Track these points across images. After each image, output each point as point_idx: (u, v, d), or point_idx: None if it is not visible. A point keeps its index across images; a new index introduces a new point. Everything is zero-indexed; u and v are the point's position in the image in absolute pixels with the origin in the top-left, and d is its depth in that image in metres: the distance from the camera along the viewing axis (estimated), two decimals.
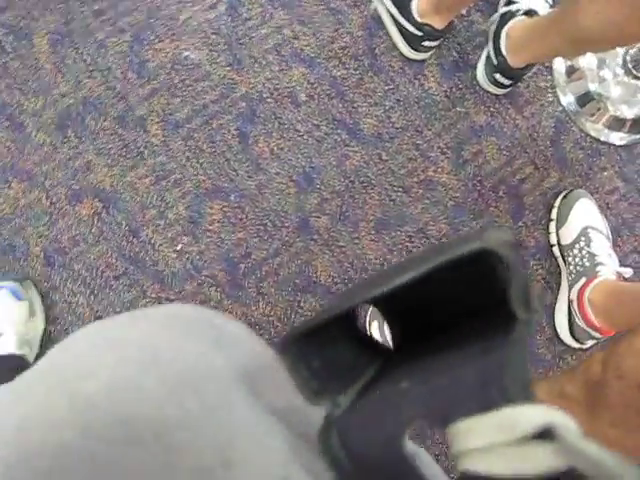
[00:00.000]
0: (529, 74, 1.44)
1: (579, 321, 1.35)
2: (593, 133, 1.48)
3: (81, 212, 1.29)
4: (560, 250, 1.41)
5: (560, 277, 1.43)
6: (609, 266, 1.34)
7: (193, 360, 0.40)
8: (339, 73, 1.39)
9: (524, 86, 1.46)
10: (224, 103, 1.35)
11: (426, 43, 1.35)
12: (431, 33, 1.32)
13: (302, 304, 1.31)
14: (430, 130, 1.41)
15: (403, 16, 1.33)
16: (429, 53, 1.39)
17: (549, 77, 1.49)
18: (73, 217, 1.29)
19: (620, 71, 1.46)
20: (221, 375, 0.40)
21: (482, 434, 0.27)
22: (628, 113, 1.48)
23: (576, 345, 1.41)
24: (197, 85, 1.35)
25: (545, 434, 0.25)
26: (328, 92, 1.38)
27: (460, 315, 0.38)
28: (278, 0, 1.39)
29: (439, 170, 1.40)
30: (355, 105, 1.39)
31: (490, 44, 1.39)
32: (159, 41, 1.35)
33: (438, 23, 1.31)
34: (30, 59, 1.32)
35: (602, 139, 1.48)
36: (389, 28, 1.39)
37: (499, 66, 1.35)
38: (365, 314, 1.28)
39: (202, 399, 0.37)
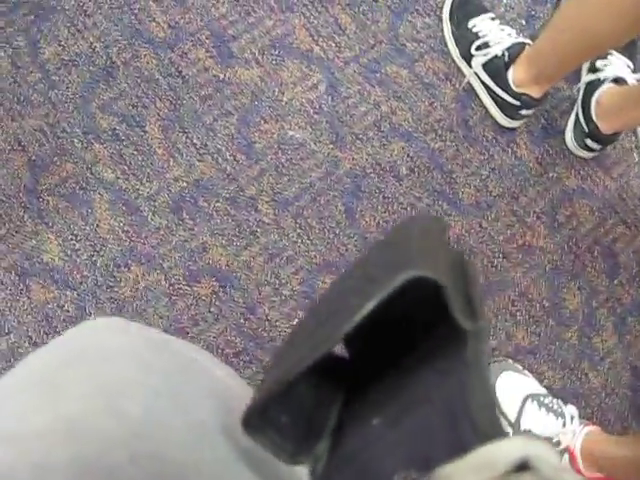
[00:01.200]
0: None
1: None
2: None
3: (199, 292, 1.36)
4: None
5: None
6: None
7: (206, 413, 0.42)
8: (436, 145, 1.48)
9: (611, 148, 1.56)
10: (329, 180, 1.43)
11: (523, 112, 1.44)
12: (529, 102, 1.41)
13: None
14: (525, 196, 1.50)
15: (499, 86, 1.43)
16: (524, 120, 1.48)
17: (633, 138, 1.58)
18: (192, 297, 1.36)
19: None
20: (225, 430, 0.42)
21: (463, 478, 0.26)
22: None
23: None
24: (303, 163, 1.43)
25: (524, 465, 0.26)
26: (427, 164, 1.47)
27: (410, 330, 0.38)
28: (375, 78, 1.49)
29: (536, 235, 1.49)
30: (453, 176, 1.47)
31: (579, 111, 1.48)
32: (264, 122, 1.44)
33: (536, 92, 1.40)
34: (143, 145, 1.40)
35: None
36: (483, 99, 1.48)
37: (590, 132, 1.45)
38: None
39: (215, 451, 0.40)
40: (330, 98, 1.47)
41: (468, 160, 1.49)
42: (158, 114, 1.42)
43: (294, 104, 1.46)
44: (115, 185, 1.38)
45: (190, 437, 0.39)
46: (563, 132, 1.54)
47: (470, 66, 1.47)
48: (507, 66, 1.41)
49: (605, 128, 1.43)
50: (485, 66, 1.44)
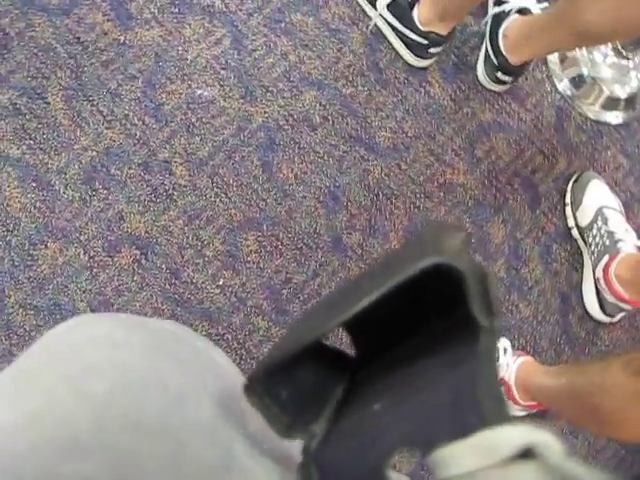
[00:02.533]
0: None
1: (608, 297, 1.48)
2: (592, 115, 1.62)
3: (121, 262, 1.37)
4: (579, 232, 1.55)
5: (582, 257, 1.57)
6: (628, 241, 1.48)
7: (192, 377, 0.44)
8: (348, 91, 1.50)
9: (522, 79, 1.60)
10: (243, 135, 1.45)
11: (432, 50, 1.47)
12: (436, 40, 1.44)
13: None
14: (442, 134, 1.53)
15: (406, 27, 1.45)
16: (434, 59, 1.51)
17: (544, 68, 1.63)
18: (113, 268, 1.37)
19: (610, 53, 1.60)
20: (213, 397, 0.43)
21: (463, 460, 0.27)
22: (621, 92, 1.63)
23: (607, 320, 1.55)
24: (214, 121, 1.44)
25: (527, 453, 0.26)
26: (340, 111, 1.49)
27: (423, 323, 0.39)
28: (280, 28, 1.49)
29: (455, 172, 1.53)
30: (368, 120, 1.50)
31: (488, 45, 1.51)
32: (171, 83, 1.44)
33: (442, 30, 1.42)
34: (47, 117, 1.39)
35: (601, 120, 1.63)
36: (391, 40, 1.50)
37: (500, 65, 1.48)
38: None
39: (200, 411, 0.41)
40: (236, 52, 1.47)
41: (382, 103, 1.51)
42: (59, 84, 1.41)
43: (199, 62, 1.46)
44: (22, 161, 1.37)
45: (167, 402, 0.40)
46: (474, 68, 1.57)
47: (375, 8, 1.48)
48: (411, 5, 1.43)
49: (514, 60, 1.47)
50: (390, 7, 1.46)
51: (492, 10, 1.52)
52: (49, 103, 1.40)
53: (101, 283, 1.36)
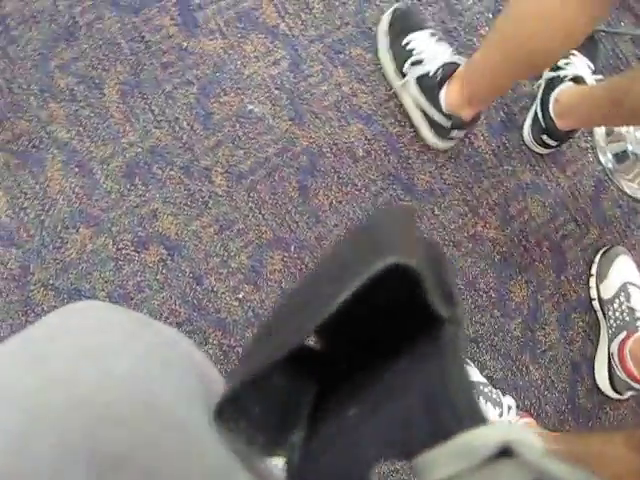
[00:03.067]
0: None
1: (620, 373, 1.49)
2: (629, 192, 1.64)
3: (146, 259, 1.40)
4: (600, 304, 1.56)
5: (599, 330, 1.58)
6: None
7: (195, 385, 0.45)
8: (395, 130, 1.53)
9: (566, 146, 1.63)
10: (286, 156, 1.48)
11: (452, 133, 1.44)
12: (459, 124, 1.41)
13: None
14: (479, 187, 1.56)
15: (431, 104, 1.42)
16: (452, 143, 1.51)
17: (589, 138, 1.65)
18: (139, 264, 1.40)
19: None
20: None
21: (445, 465, 0.27)
22: None
23: (615, 396, 1.55)
24: (260, 138, 1.48)
25: (508, 451, 0.26)
26: (384, 148, 1.52)
27: (387, 320, 0.39)
28: (338, 59, 1.54)
29: (487, 225, 1.55)
30: (409, 161, 1.53)
31: (538, 106, 1.55)
32: (224, 94, 1.48)
33: (467, 114, 1.39)
34: (100, 108, 1.43)
35: (638, 197, 1.65)
36: (412, 114, 1.51)
37: (547, 128, 1.51)
38: None
39: (204, 414, 0.41)
40: (292, 75, 1.51)
41: (425, 147, 1.54)
42: (118, 78, 1.45)
43: (255, 78, 1.50)
44: (69, 146, 1.41)
45: (179, 395, 0.41)
46: (521, 127, 1.60)
47: (402, 77, 1.49)
48: (440, 84, 1.39)
49: (562, 125, 1.50)
50: (418, 83, 1.45)
51: (547, 74, 1.55)
52: (104, 94, 1.44)
53: (124, 276, 1.39)
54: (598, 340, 1.58)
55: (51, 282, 1.37)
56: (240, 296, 1.42)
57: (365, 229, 0.43)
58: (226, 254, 1.43)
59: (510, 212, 1.57)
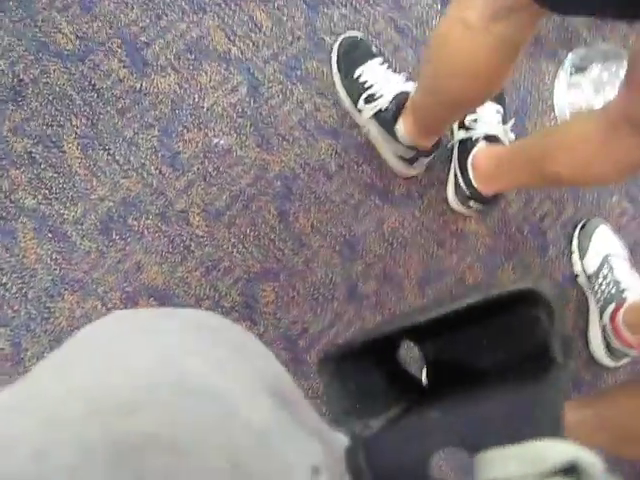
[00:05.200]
0: (534, 115, 1.66)
1: (615, 343, 1.58)
2: None
3: None
4: (587, 279, 1.64)
5: (588, 303, 1.66)
6: (634, 289, 1.58)
7: (227, 351, 0.45)
8: (363, 140, 1.56)
9: (532, 126, 1.68)
10: (259, 185, 1.50)
11: (418, 162, 1.48)
12: (422, 153, 1.44)
13: None
14: None
15: (392, 138, 1.44)
16: (424, 168, 1.54)
17: (552, 115, 1.71)
18: None
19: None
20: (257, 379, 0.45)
21: (507, 465, 0.28)
22: None
23: (612, 364, 1.64)
24: (231, 170, 1.49)
25: (568, 470, 0.27)
26: (356, 159, 1.55)
27: (499, 361, 0.41)
28: (295, 75, 1.55)
29: (468, 220, 1.61)
30: (383, 168, 1.57)
31: (458, 172, 1.54)
32: (187, 131, 1.48)
33: (427, 143, 1.42)
34: (63, 167, 1.43)
35: None
36: (378, 147, 1.54)
37: (471, 195, 1.51)
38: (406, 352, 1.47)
39: (240, 378, 0.42)
40: (252, 100, 1.52)
41: None
42: (75, 132, 1.44)
43: (216, 109, 1.51)
44: (38, 212, 1.40)
45: (208, 367, 0.41)
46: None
47: (361, 115, 1.51)
48: (395, 118, 1.40)
49: (487, 191, 1.49)
50: (376, 117, 1.46)
51: (458, 133, 1.55)
52: (65, 152, 1.43)
53: None
54: (588, 314, 1.65)
55: (45, 355, 1.37)
56: None
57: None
58: (217, 295, 1.46)
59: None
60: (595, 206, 1.70)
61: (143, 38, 1.50)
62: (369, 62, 1.49)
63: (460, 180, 1.51)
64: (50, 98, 1.44)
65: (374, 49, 1.56)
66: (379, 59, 1.50)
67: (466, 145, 1.51)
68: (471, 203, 1.51)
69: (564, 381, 0.35)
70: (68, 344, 0.46)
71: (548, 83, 1.73)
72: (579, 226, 1.66)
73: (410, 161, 1.48)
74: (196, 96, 1.50)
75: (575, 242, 1.66)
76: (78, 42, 1.47)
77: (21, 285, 1.38)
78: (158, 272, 1.44)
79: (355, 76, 1.49)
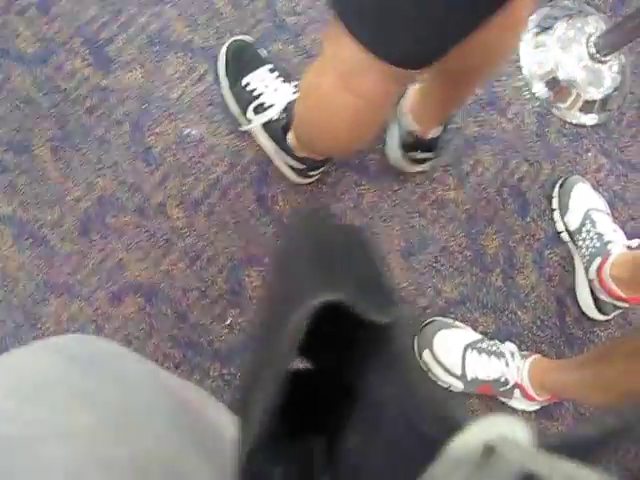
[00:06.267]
0: (503, 78, 1.68)
1: (604, 297, 1.61)
2: (570, 119, 1.74)
3: (125, 311, 1.43)
4: (569, 235, 1.67)
5: (574, 260, 1.69)
6: (617, 241, 1.60)
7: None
8: None
9: (502, 89, 1.70)
10: (235, 171, 1.51)
11: (311, 172, 1.47)
12: (314, 165, 1.42)
13: None
14: None
15: (283, 150, 1.42)
16: (317, 177, 1.52)
17: (521, 76, 1.73)
18: (119, 318, 1.43)
19: (585, 57, 1.72)
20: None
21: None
22: (596, 94, 1.75)
23: (603, 318, 1.67)
24: (205, 160, 1.50)
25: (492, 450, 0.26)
26: None
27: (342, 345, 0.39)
28: None
29: (446, 188, 1.63)
30: None
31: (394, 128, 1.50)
32: (158, 125, 1.50)
33: (317, 156, 1.39)
34: (35, 171, 1.43)
35: (580, 123, 1.74)
36: (272, 157, 1.51)
37: (414, 142, 1.46)
38: None
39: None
40: (219, 87, 1.53)
41: None
42: (45, 135, 1.45)
43: (184, 100, 1.52)
44: (14, 219, 1.41)
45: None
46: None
47: (249, 122, 1.48)
48: (285, 130, 1.38)
49: (425, 133, 1.44)
50: (265, 128, 1.43)
51: None
52: (36, 156, 1.44)
53: (107, 335, 1.42)
54: (575, 270, 1.68)
55: None
56: (228, 322, 1.47)
57: (278, 273, 0.44)
58: (203, 285, 1.47)
59: (464, 169, 1.65)
60: (572, 163, 1.73)
61: (104, 35, 1.51)
62: (258, 69, 1.45)
63: (397, 134, 1.48)
64: (16, 103, 1.45)
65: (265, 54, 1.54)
66: (269, 66, 1.46)
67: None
68: (415, 153, 1.48)
69: (403, 338, 0.34)
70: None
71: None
72: (558, 184, 1.69)
73: (303, 173, 1.47)
74: (163, 88, 1.51)
75: (555, 200, 1.68)
76: (39, 44, 1.48)
77: (5, 293, 1.39)
78: (141, 268, 1.45)
79: (243, 84, 1.45)
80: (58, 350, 0.49)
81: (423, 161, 1.52)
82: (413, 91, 1.43)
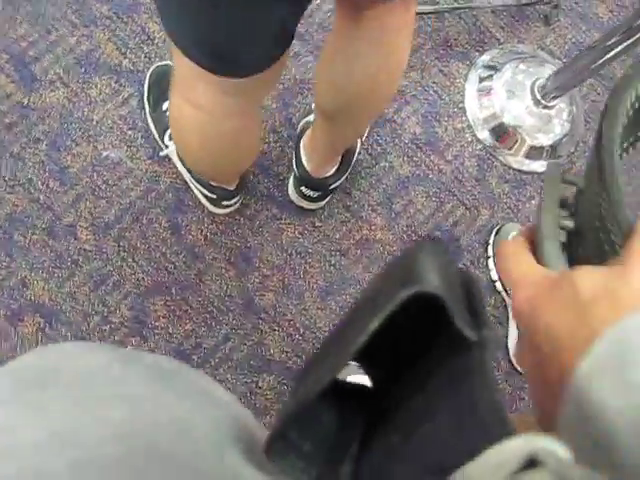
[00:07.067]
0: (445, 119, 1.65)
1: None
2: (515, 165, 1.69)
3: (23, 330, 1.42)
4: (502, 285, 1.61)
5: (507, 310, 1.63)
6: None
7: (194, 408, 0.47)
8: (260, 148, 1.56)
9: (442, 130, 1.67)
10: (150, 197, 1.50)
11: (225, 202, 1.46)
12: (225, 195, 1.42)
13: (260, 384, 1.48)
14: (358, 189, 1.60)
15: (195, 179, 1.43)
16: (234, 207, 1.52)
17: (464, 118, 1.70)
18: (16, 337, 1.42)
19: (530, 102, 1.68)
20: (217, 426, 0.47)
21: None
22: (544, 140, 1.70)
23: None
24: (121, 183, 1.50)
25: (533, 463, 0.28)
26: (252, 169, 1.55)
27: (425, 348, 0.41)
28: None
29: (373, 228, 1.59)
30: (280, 177, 1.56)
31: (293, 160, 1.50)
32: (76, 145, 1.50)
33: (229, 185, 1.40)
34: None
35: (524, 169, 1.70)
36: (190, 186, 1.50)
37: (302, 179, 1.46)
38: None
39: (206, 439, 0.44)
40: (143, 112, 1.53)
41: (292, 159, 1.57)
42: None
43: (106, 122, 1.52)
44: None
45: (177, 432, 0.43)
46: (393, 121, 1.64)
47: (166, 147, 1.49)
48: None
49: (314, 172, 1.44)
50: (180, 158, 1.43)
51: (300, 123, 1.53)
52: None
53: (2, 352, 1.41)
54: (508, 321, 1.62)
55: None
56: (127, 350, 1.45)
57: (397, 262, 0.46)
58: (106, 310, 1.46)
59: (395, 209, 1.61)
60: (513, 210, 1.68)
61: (32, 53, 1.52)
62: None
63: (294, 165, 1.47)
64: None
65: None
66: None
67: (305, 128, 1.47)
68: (303, 189, 1.46)
69: (486, 357, 0.35)
70: (35, 377, 0.46)
71: (459, 86, 1.71)
72: (494, 231, 1.64)
73: (215, 201, 1.46)
74: (86, 109, 1.52)
75: (490, 247, 1.63)
76: None
77: None
78: (45, 288, 1.44)
79: (163, 109, 1.46)
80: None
81: (314, 199, 1.50)
82: (309, 129, 1.42)
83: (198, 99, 0.91)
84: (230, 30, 0.72)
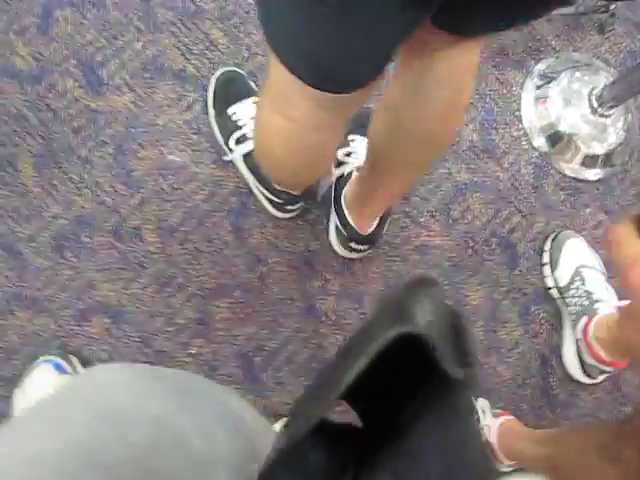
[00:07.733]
0: (502, 127, 1.67)
1: (589, 358, 1.56)
2: (570, 173, 1.71)
3: (91, 330, 1.45)
4: (558, 292, 1.63)
5: (562, 317, 1.65)
6: (607, 301, 1.56)
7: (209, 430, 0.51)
8: None
9: (499, 138, 1.69)
10: (214, 201, 1.54)
11: (289, 207, 1.49)
12: (291, 200, 1.45)
13: None
14: (417, 196, 1.62)
15: (261, 183, 1.45)
16: (297, 212, 1.54)
17: (520, 126, 1.72)
18: (84, 337, 1.45)
19: (587, 111, 1.70)
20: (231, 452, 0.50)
21: None
22: (599, 149, 1.72)
23: (588, 381, 1.62)
24: (186, 187, 1.53)
25: None
26: None
27: (413, 388, 0.41)
28: None
29: (431, 233, 1.62)
30: (339, 181, 1.59)
31: (335, 217, 1.50)
32: (142, 149, 1.53)
33: (293, 190, 1.41)
34: (17, 185, 1.48)
35: (579, 177, 1.72)
36: (252, 189, 1.53)
37: (350, 236, 1.46)
38: None
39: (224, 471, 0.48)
40: (207, 117, 1.56)
41: None
42: (30, 151, 1.50)
43: (171, 127, 1.56)
44: None
45: (192, 463, 0.46)
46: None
47: (231, 151, 1.51)
48: None
49: (361, 228, 1.45)
50: (245, 162, 1.47)
51: (334, 172, 1.52)
52: (19, 171, 1.49)
53: (70, 353, 1.44)
54: (562, 328, 1.64)
55: None
56: (192, 351, 1.48)
57: (391, 298, 0.47)
58: (170, 311, 1.49)
59: (452, 216, 1.63)
60: (568, 218, 1.70)
61: (99, 58, 1.56)
62: (245, 100, 1.49)
63: (338, 224, 1.48)
64: (6, 119, 1.51)
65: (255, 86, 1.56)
66: (256, 98, 1.47)
67: (340, 183, 1.48)
68: (353, 245, 1.48)
69: (471, 398, 0.36)
70: (56, 399, 0.50)
71: (515, 94, 1.74)
72: (550, 238, 1.66)
73: (280, 206, 1.49)
74: (151, 114, 1.55)
75: (546, 254, 1.65)
76: (35, 63, 1.54)
77: None
78: (110, 289, 1.48)
79: (229, 114, 1.48)
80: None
81: (362, 251, 1.53)
82: (353, 181, 1.44)
83: (291, 112, 0.93)
84: (348, 47, 0.73)
